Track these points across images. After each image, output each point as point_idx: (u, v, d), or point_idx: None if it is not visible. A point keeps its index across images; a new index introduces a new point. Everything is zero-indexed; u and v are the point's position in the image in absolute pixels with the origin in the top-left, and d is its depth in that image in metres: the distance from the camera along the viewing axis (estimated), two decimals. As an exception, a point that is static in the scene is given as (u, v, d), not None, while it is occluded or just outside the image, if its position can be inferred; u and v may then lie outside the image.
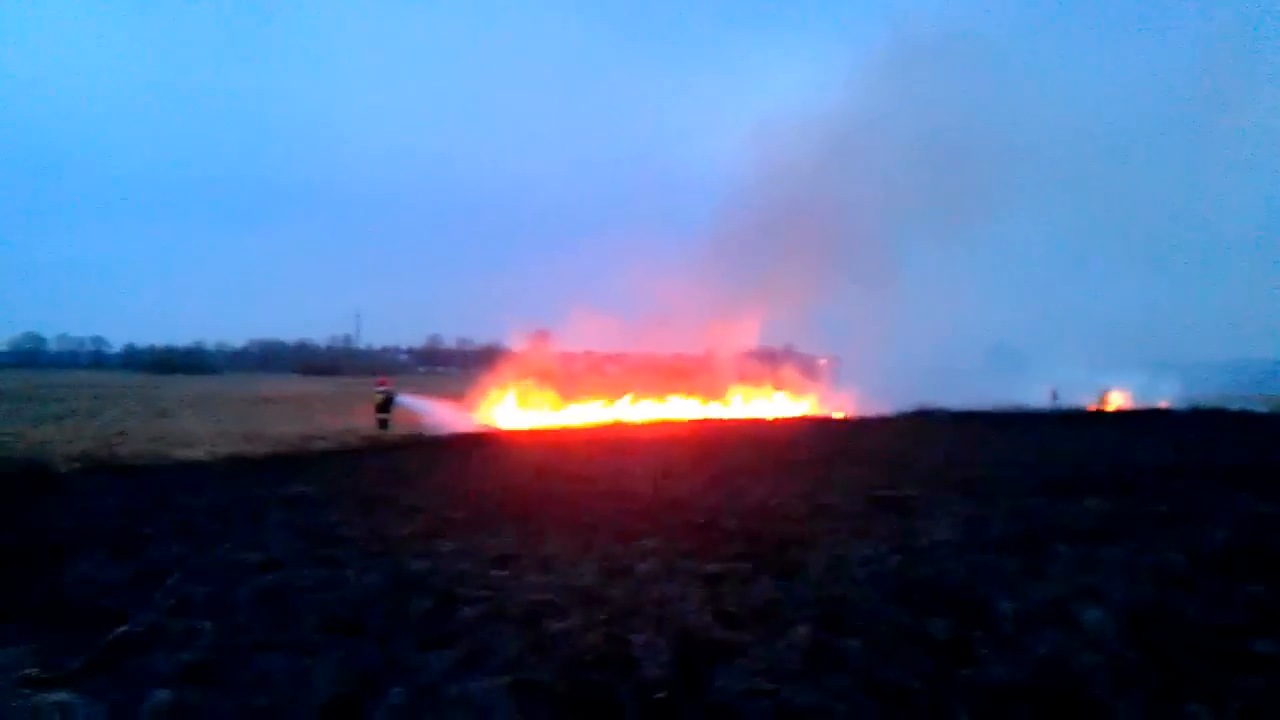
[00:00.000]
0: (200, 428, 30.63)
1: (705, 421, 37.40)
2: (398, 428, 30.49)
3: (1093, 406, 46.34)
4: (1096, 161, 66.33)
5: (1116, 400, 48.30)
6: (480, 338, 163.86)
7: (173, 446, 23.77)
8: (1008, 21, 60.28)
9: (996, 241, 59.93)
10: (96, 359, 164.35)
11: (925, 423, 34.89)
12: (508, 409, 37.65)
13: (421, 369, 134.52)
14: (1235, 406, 42.59)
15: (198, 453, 22.46)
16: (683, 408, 42.21)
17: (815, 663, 6.76)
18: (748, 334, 49.09)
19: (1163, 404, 46.99)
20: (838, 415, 40.31)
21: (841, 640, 7.21)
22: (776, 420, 38.41)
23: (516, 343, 44.99)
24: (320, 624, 7.74)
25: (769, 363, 48.07)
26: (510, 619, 7.87)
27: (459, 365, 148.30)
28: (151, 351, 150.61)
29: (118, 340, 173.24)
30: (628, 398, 41.42)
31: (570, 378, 41.60)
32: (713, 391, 44.08)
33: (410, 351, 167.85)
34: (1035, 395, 45.65)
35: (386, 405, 31.23)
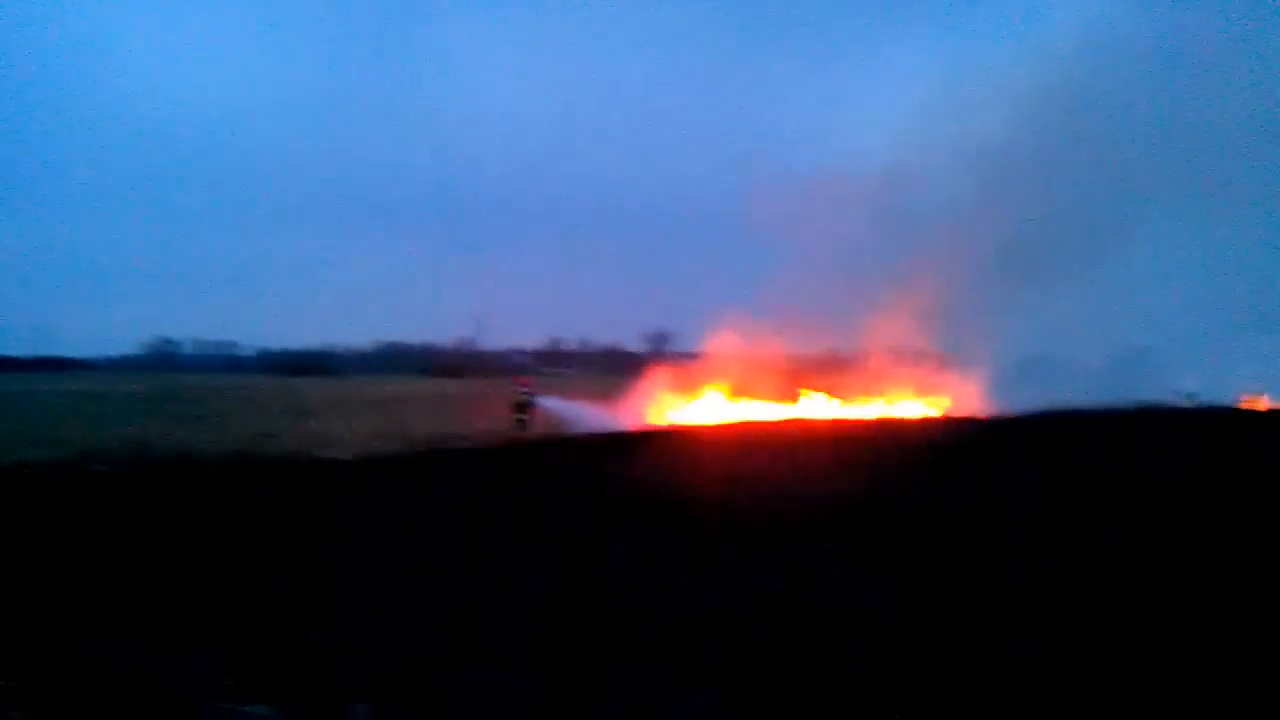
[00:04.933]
0: (343, 428, 30.98)
1: (852, 421, 36.71)
2: (537, 428, 30.36)
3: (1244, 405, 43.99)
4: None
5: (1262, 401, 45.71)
6: (602, 339, 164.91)
7: (321, 446, 23.97)
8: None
9: (1156, 238, 57.10)
10: (230, 362, 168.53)
11: (1079, 420, 33.63)
12: (655, 409, 37.46)
13: (544, 370, 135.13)
14: None
15: (345, 453, 22.57)
16: (830, 407, 41.61)
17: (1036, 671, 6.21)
18: (899, 331, 48.00)
19: None
20: (991, 415, 39.07)
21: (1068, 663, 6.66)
22: (926, 420, 37.55)
23: (638, 344, 45.08)
24: (506, 632, 7.45)
25: (910, 361, 47.00)
26: (704, 627, 7.49)
27: (581, 366, 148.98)
28: (283, 354, 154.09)
29: (249, 343, 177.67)
30: (779, 397, 40.98)
31: (716, 377, 41.24)
32: (858, 390, 43.41)
33: (532, 353, 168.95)
34: (1166, 394, 43.57)
35: (526, 406, 31.13)
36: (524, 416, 30.64)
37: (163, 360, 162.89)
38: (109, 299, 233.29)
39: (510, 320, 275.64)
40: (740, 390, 41.06)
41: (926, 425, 34.46)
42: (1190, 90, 53.62)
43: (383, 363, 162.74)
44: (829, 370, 47.01)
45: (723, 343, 45.50)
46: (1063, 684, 6.19)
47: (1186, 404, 41.57)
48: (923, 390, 44.30)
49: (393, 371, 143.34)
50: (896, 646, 6.97)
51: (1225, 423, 32.90)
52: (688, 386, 40.16)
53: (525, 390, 31.77)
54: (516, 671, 6.54)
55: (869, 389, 43.83)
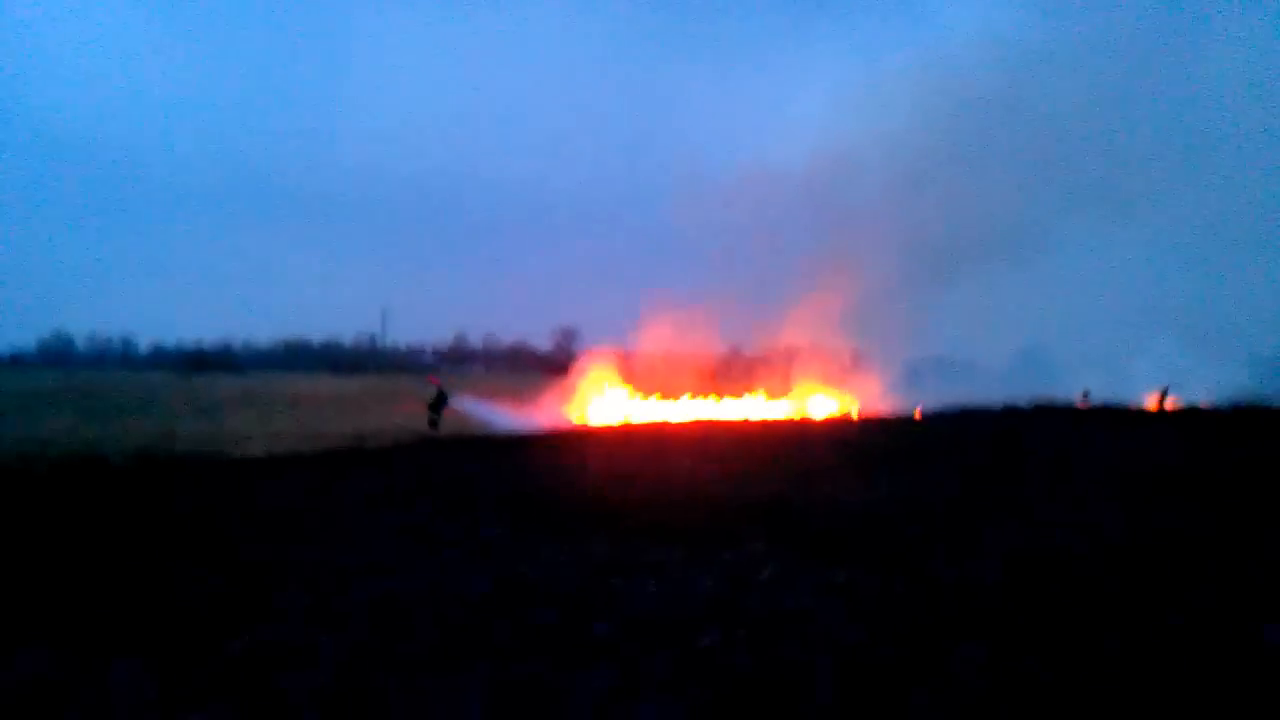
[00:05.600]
0: (249, 426, 30.33)
1: (771, 420, 36.98)
2: (449, 427, 29.98)
3: (1152, 405, 44.81)
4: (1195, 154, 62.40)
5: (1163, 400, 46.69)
6: (507, 336, 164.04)
7: (227, 445, 23.43)
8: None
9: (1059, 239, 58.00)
10: (125, 358, 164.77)
11: (987, 418, 34.24)
12: (569, 407, 37.30)
13: (450, 367, 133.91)
14: None
15: (254, 451, 22.10)
16: (747, 405, 41.86)
17: (1012, 693, 6.17)
18: (812, 328, 48.36)
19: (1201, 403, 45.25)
20: (904, 413, 39.54)
21: (1031, 664, 6.64)
22: (838, 418, 38.05)
23: (545, 341, 44.87)
24: (444, 638, 7.24)
25: (823, 358, 47.34)
26: (649, 634, 7.36)
27: (487, 364, 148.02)
28: (179, 350, 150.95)
29: (145, 339, 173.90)
30: (688, 396, 41.08)
31: (625, 377, 41.13)
32: (772, 388, 43.68)
33: (436, 350, 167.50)
34: (1067, 393, 44.47)
35: (438, 404, 30.71)
36: (436, 415, 30.22)
37: (57, 356, 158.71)
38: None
39: (414, 317, 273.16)
40: (655, 388, 41.09)
41: (845, 423, 34.95)
42: (1098, 99, 54.98)
43: (284, 359, 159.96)
44: (743, 368, 47.30)
45: (637, 340, 45.57)
46: (1011, 683, 6.20)
47: (1083, 402, 42.70)
48: (835, 387, 44.77)
49: (294, 368, 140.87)
50: (844, 650, 6.90)
51: (1121, 420, 33.82)
52: (603, 384, 40.05)
53: (437, 388, 31.35)
54: (460, 678, 6.38)
55: (783, 386, 44.19)
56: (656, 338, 45.40)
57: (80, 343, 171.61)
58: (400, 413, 36.16)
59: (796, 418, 38.78)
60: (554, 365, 44.91)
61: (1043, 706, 5.88)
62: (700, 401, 41.26)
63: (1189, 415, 38.93)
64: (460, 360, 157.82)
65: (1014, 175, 53.56)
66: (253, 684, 6.24)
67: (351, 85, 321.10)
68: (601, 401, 38.84)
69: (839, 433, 29.62)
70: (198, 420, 32.95)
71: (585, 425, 34.27)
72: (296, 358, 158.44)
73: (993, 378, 46.95)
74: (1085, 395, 44.22)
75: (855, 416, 39.39)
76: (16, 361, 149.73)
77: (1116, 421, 33.90)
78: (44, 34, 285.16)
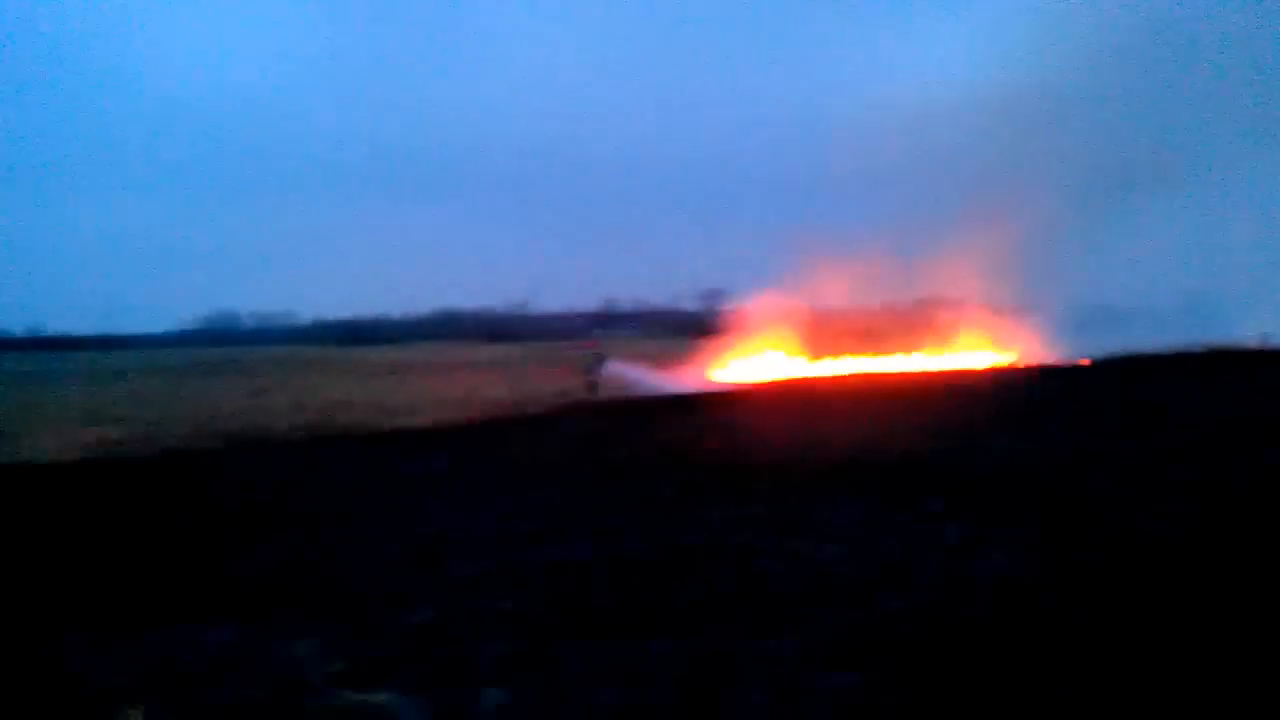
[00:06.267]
0: (412, 395, 30.82)
1: (929, 374, 36.21)
2: (605, 391, 30.00)
3: None
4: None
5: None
6: (655, 299, 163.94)
7: (393, 415, 23.82)
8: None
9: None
10: (288, 333, 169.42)
11: (1168, 365, 32.81)
12: (722, 369, 37.06)
13: (602, 332, 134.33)
14: None
15: (420, 420, 22.41)
16: (902, 361, 41.17)
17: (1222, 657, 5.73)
18: (966, 279, 47.05)
19: None
20: (1065, 363, 38.29)
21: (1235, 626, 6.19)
22: (1003, 369, 37.07)
23: (693, 303, 44.68)
24: (623, 605, 7.13)
25: (978, 310, 46.14)
26: (832, 597, 7.12)
27: (637, 327, 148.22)
28: (339, 323, 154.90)
29: (306, 313, 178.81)
30: (848, 352, 40.56)
31: (782, 334, 40.67)
32: (927, 342, 42.87)
33: (585, 315, 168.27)
34: (1239, 337, 42.23)
35: (596, 368, 30.69)
36: (594, 379, 30.19)
37: (222, 333, 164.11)
38: (165, 275, 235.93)
39: (562, 283, 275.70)
40: (812, 344, 40.58)
41: (1011, 374, 33.99)
42: (1262, 29, 52.20)
43: (437, 329, 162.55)
44: (896, 322, 46.36)
45: (785, 299, 44.92)
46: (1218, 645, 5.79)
47: (1261, 345, 40.64)
48: (992, 339, 43.63)
49: (448, 338, 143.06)
50: (1039, 614, 6.55)
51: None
52: (753, 345, 39.65)
53: (595, 352, 31.35)
54: (645, 644, 6.24)
55: (942, 339, 43.27)
56: (812, 293, 44.76)
57: (243, 319, 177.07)
58: (555, 378, 36.39)
59: (958, 371, 37.85)
60: (704, 326, 44.41)
61: (1258, 669, 5.47)
62: (858, 356, 40.65)
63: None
64: (611, 324, 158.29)
65: (1178, 108, 51.12)
66: (439, 653, 6.21)
67: (493, 51, 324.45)
68: (758, 359, 38.51)
69: (1006, 384, 28.75)
70: (363, 391, 33.65)
71: (743, 384, 33.98)
72: (449, 328, 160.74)
73: (1160, 322, 44.86)
74: (1264, 339, 42.03)
75: (1019, 367, 38.27)
76: (182, 340, 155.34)
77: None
78: (201, 19, 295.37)
